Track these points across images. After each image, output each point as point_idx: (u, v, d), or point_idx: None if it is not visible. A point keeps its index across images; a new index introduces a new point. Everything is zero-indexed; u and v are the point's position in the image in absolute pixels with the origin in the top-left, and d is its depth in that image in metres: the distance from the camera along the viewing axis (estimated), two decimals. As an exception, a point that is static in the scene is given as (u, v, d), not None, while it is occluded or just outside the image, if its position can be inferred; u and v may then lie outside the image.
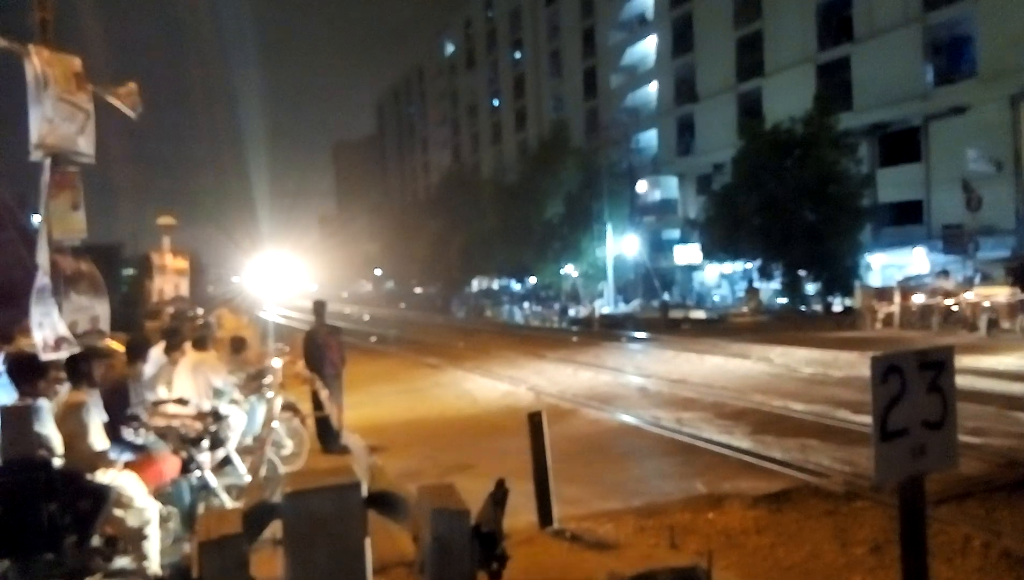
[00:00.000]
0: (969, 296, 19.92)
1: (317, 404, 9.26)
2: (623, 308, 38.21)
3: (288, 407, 8.29)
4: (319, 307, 10.27)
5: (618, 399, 12.62)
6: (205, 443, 5.99)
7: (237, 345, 8.96)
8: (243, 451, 6.77)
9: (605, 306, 37.32)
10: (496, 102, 72.48)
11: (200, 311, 11.93)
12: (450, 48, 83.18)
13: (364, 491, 2.60)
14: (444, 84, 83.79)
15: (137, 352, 6.30)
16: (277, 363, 8.30)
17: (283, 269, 14.53)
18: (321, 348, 9.79)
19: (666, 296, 39.22)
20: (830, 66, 36.37)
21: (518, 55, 68.09)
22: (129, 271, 30.65)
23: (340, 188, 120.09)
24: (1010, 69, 28.99)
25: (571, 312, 36.53)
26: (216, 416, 6.28)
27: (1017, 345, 16.52)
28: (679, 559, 5.13)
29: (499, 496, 2.68)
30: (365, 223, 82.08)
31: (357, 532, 2.58)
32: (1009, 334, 18.05)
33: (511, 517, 5.73)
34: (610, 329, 27.30)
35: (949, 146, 30.23)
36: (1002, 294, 19.24)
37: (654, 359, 18.40)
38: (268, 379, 7.77)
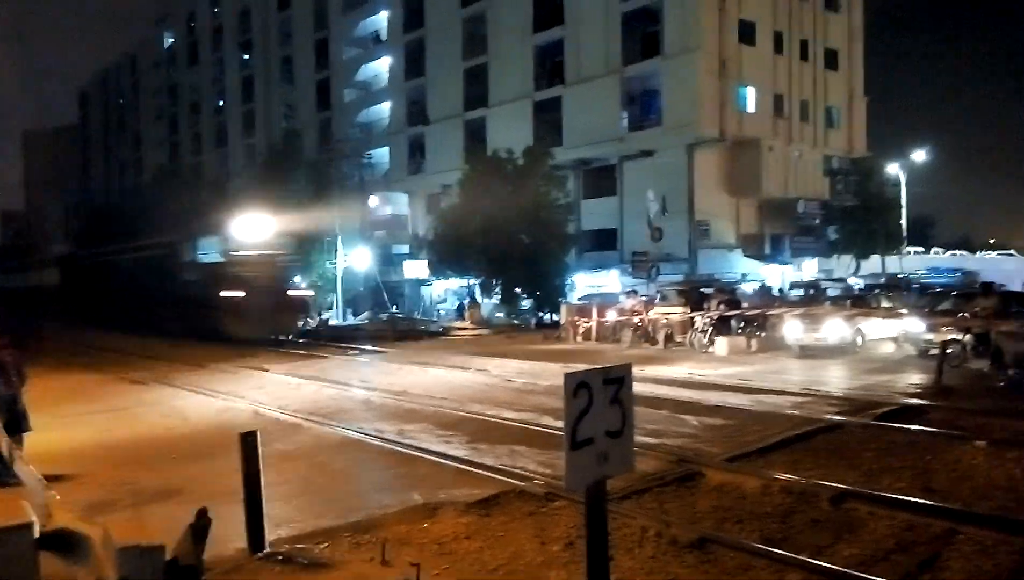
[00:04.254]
0: (652, 314, 22.99)
1: (-17, 431, 7.93)
2: (352, 320, 37.96)
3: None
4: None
5: (342, 413, 12.50)
6: None
7: None
8: None
9: (334, 318, 36.80)
10: (221, 103, 68.02)
11: None
12: (170, 40, 76.47)
13: (36, 531, 2.32)
14: (162, 77, 76.78)
15: None
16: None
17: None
18: (-9, 364, 8.43)
19: (395, 309, 39.74)
20: (545, 104, 39.86)
21: (247, 57, 64.63)
22: None
23: (30, 182, 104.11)
24: (687, 121, 34.31)
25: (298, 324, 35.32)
26: None
27: (687, 356, 19.30)
28: (389, 574, 5.24)
29: (200, 526, 2.56)
30: (60, 222, 71.72)
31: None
32: (681, 347, 21.12)
33: (220, 545, 5.49)
34: (338, 341, 26.89)
35: (639, 184, 34.84)
36: (676, 313, 22.52)
37: (380, 371, 18.51)
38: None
